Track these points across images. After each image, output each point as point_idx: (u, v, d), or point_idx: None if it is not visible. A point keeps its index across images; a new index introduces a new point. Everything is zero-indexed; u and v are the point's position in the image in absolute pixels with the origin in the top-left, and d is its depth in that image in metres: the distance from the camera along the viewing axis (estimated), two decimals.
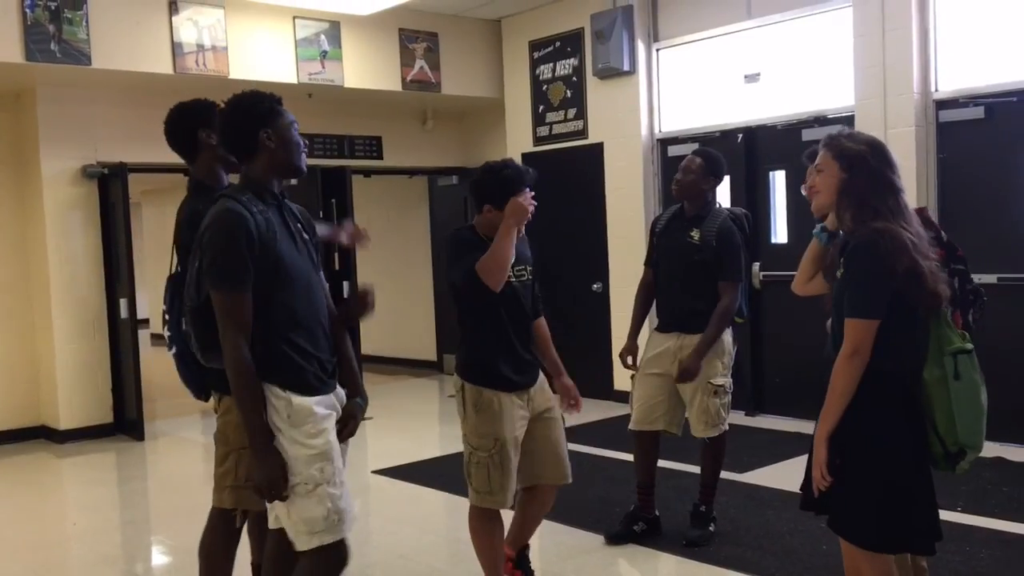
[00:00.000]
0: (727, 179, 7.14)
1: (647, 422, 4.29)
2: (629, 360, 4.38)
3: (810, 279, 2.95)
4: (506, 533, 3.65)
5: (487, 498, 3.40)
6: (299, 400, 2.54)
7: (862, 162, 2.52)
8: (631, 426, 4.36)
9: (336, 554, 2.60)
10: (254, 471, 2.53)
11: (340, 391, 2.74)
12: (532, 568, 3.78)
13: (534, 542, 3.79)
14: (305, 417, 2.54)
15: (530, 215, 3.32)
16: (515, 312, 3.42)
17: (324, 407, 2.61)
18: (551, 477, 3.57)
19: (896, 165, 2.57)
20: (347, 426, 2.73)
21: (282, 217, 2.63)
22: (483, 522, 3.47)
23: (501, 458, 3.34)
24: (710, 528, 4.31)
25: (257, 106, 2.63)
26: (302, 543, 2.56)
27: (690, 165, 4.30)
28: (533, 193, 3.38)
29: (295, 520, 2.55)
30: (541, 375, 3.58)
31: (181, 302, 2.92)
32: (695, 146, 7.33)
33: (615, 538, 4.34)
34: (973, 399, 2.45)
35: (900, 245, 2.40)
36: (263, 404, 2.51)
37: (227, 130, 2.67)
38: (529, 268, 3.53)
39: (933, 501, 2.49)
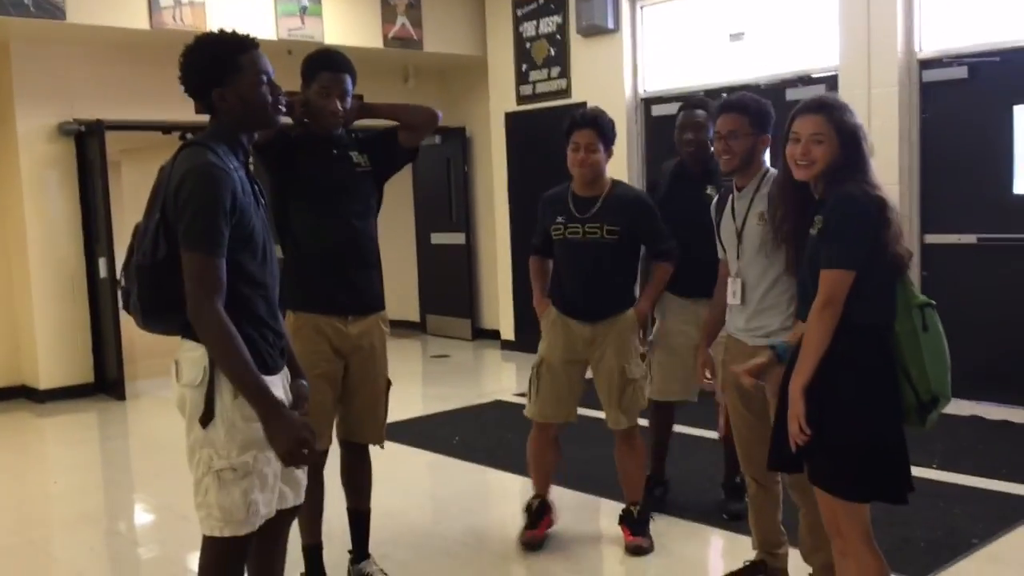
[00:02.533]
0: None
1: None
2: None
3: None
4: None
5: (529, 406, 3.76)
6: None
7: (859, 138, 2.60)
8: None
9: (240, 549, 2.39)
10: (272, 442, 2.28)
11: (287, 371, 2.52)
12: (639, 531, 3.72)
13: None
14: None
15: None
16: (568, 261, 3.69)
17: (276, 391, 2.38)
18: (608, 420, 3.70)
19: None
20: (300, 408, 2.48)
21: (247, 173, 2.41)
22: (534, 432, 3.79)
23: (539, 373, 3.68)
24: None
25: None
26: (212, 529, 2.35)
27: None
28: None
29: (211, 504, 2.33)
30: (622, 320, 3.63)
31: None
32: (677, 106, 7.31)
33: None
34: (940, 350, 2.53)
35: (887, 210, 2.49)
36: (252, 365, 2.27)
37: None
38: (607, 227, 3.58)
39: (906, 452, 2.55)
